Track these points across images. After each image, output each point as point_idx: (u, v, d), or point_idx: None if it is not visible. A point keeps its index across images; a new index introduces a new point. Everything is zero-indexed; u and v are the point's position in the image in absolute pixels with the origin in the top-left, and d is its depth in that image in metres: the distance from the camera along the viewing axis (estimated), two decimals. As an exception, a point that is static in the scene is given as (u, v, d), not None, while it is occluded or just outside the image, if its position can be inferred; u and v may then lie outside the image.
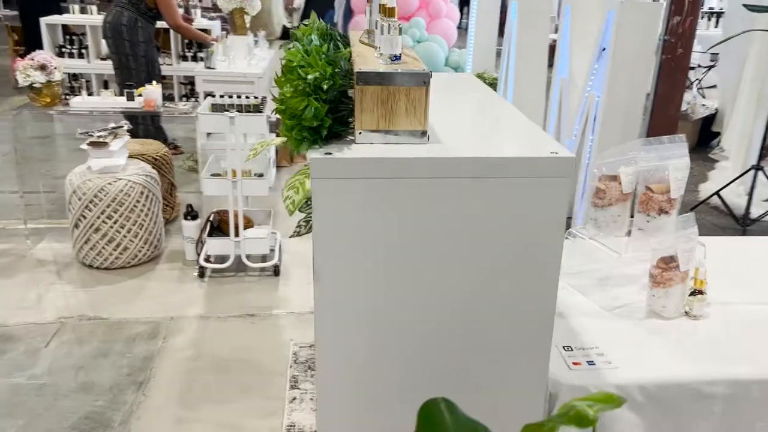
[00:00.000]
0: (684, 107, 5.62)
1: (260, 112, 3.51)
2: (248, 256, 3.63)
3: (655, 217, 1.55)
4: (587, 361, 1.36)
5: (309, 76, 1.08)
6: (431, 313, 1.22)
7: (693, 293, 1.53)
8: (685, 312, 1.55)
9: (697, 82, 6.17)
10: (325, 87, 1.10)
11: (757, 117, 4.50)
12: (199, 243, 3.86)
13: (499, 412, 1.30)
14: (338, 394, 1.27)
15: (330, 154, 1.11)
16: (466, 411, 1.24)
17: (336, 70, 1.11)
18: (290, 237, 2.22)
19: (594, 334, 1.45)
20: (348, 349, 1.23)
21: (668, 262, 1.50)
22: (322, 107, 1.10)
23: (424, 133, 1.17)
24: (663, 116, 2.96)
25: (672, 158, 1.55)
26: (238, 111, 3.44)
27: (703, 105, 5.76)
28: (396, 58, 1.19)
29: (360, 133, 1.16)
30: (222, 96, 3.73)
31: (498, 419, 1.26)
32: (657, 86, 2.98)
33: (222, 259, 3.66)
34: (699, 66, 6.38)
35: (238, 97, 3.74)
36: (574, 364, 1.36)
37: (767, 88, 4.47)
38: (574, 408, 0.79)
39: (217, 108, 3.75)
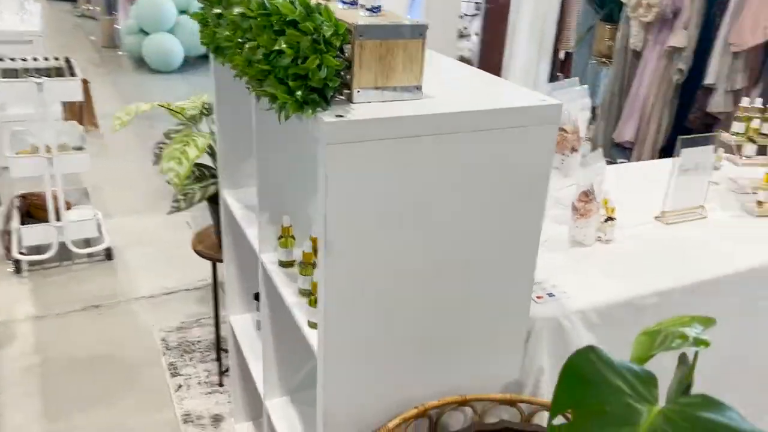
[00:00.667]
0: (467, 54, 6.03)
1: (73, 75, 3.08)
2: (73, 242, 3.23)
3: (568, 155, 1.69)
4: (547, 294, 1.47)
5: (327, 32, 0.98)
6: (437, 269, 1.21)
7: (606, 220, 1.71)
8: (599, 238, 1.73)
9: (464, 29, 6.54)
10: (338, 43, 1.00)
11: (540, 62, 5.02)
12: (6, 234, 3.33)
13: (491, 350, 1.35)
14: (347, 364, 1.22)
15: (341, 116, 1.03)
16: (464, 351, 1.27)
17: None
18: (169, 213, 2.02)
19: (538, 269, 1.56)
20: (360, 317, 1.18)
21: (588, 195, 1.65)
22: (336, 65, 1.01)
23: (419, 88, 1.13)
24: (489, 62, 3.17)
25: (576, 99, 1.70)
26: (41, 76, 2.96)
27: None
28: (377, 9, 1.13)
29: (358, 91, 1.08)
30: (13, 59, 3.20)
31: (489, 356, 1.32)
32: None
33: (40, 249, 3.20)
34: (465, 15, 6.80)
35: (34, 59, 3.24)
36: (538, 297, 1.45)
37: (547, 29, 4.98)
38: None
39: (8, 74, 3.21)
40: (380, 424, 1.30)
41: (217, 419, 2.33)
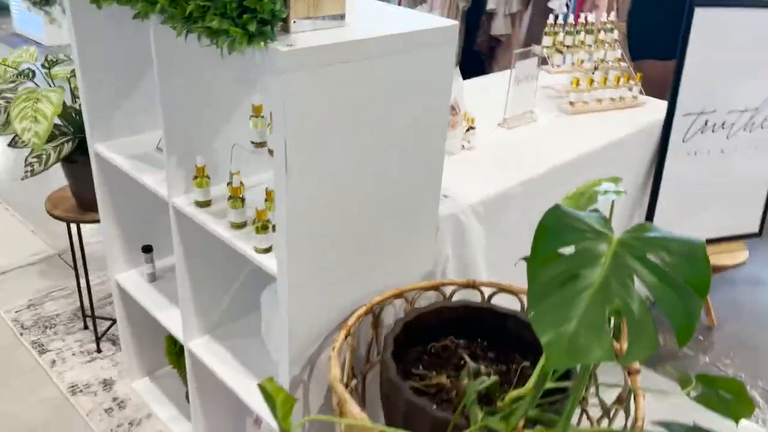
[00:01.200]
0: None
1: None
2: None
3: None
4: (443, 195, 1.69)
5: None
6: (372, 180, 1.36)
7: (467, 130, 1.97)
8: (463, 146, 1.99)
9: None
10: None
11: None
12: None
13: (413, 246, 1.55)
14: (307, 279, 1.33)
15: (291, 45, 1.11)
16: (395, 250, 1.45)
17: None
18: (23, 179, 1.92)
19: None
20: (315, 232, 1.30)
21: (454, 109, 1.89)
22: (285, -3, 1.08)
23: (343, 17, 1.25)
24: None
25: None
26: None
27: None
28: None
29: (294, 22, 1.17)
30: None
31: (411, 252, 1.53)
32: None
33: None
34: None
35: None
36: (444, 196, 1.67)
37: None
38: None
39: None
40: (333, 327, 1.44)
41: (107, 383, 2.27)
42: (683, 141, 2.49)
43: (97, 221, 2.12)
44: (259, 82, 1.60)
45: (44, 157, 1.98)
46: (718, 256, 2.67)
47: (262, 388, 0.97)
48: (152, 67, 1.45)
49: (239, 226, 1.46)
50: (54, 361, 2.36)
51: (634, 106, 2.48)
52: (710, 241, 2.69)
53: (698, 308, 0.86)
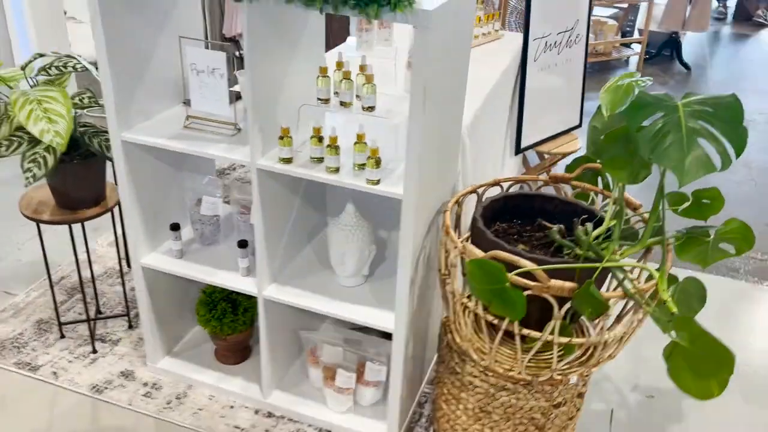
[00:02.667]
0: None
1: None
2: None
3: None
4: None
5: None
6: (445, 120, 1.73)
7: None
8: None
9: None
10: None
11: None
12: None
13: (452, 164, 1.96)
14: (420, 189, 1.68)
15: (428, 8, 1.44)
16: (448, 165, 1.86)
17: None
18: (26, 185, 1.95)
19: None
20: (426, 159, 1.64)
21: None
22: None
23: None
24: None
25: None
26: None
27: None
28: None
29: (409, -11, 1.48)
30: None
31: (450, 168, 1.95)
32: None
33: None
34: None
35: None
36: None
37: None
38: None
39: None
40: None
41: (127, 374, 2.30)
42: (534, 60, 3.19)
43: (89, 218, 2.13)
44: (306, 52, 1.83)
45: (40, 160, 1.94)
46: (562, 147, 3.47)
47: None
48: (159, 52, 1.61)
49: (335, 170, 1.73)
50: (55, 373, 2.29)
51: (498, 39, 3.10)
52: (553, 136, 3.49)
53: (744, 134, 1.45)
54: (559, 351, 1.64)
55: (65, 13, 4.31)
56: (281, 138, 1.74)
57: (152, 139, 1.87)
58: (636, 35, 6.83)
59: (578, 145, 3.56)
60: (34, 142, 1.95)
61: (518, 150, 3.26)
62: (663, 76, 6.31)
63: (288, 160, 1.76)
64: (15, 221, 3.15)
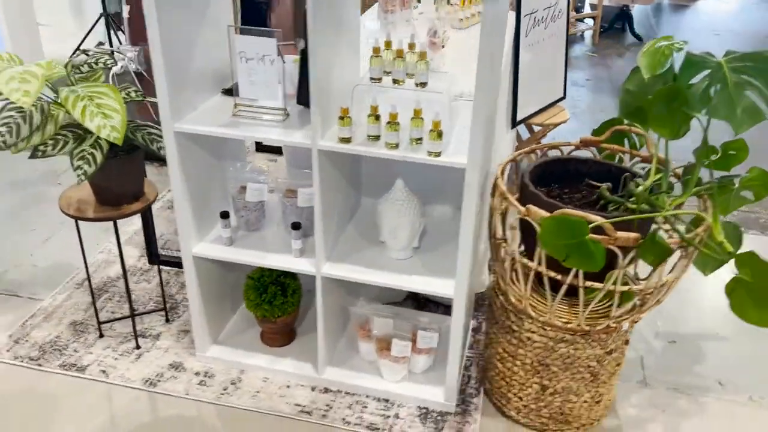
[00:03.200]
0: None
1: None
2: None
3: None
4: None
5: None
6: (492, 96, 1.83)
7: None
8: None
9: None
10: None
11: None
12: None
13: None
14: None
15: (494, -17, 1.53)
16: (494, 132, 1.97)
17: None
18: (79, 183, 1.96)
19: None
20: (483, 130, 1.74)
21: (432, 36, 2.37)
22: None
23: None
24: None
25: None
26: None
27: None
28: None
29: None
30: None
31: None
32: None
33: None
34: None
35: None
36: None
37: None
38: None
39: None
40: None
41: (176, 366, 2.32)
42: (525, 36, 3.32)
43: (134, 213, 2.14)
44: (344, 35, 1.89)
45: (89, 157, 1.94)
46: (552, 118, 3.63)
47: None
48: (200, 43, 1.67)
49: (395, 146, 1.80)
50: (104, 371, 2.29)
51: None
52: (542, 109, 3.64)
53: (782, 82, 1.60)
54: (618, 300, 1.78)
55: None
56: (341, 118, 1.80)
57: (207, 128, 1.90)
58: (587, 10, 7.09)
59: (567, 115, 3.73)
60: (80, 139, 1.95)
61: (514, 123, 3.39)
62: (618, 47, 6.58)
63: (348, 140, 1.83)
64: (20, 228, 3.10)
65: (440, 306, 2.63)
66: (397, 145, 1.81)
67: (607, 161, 2.10)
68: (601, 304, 1.91)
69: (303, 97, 2.01)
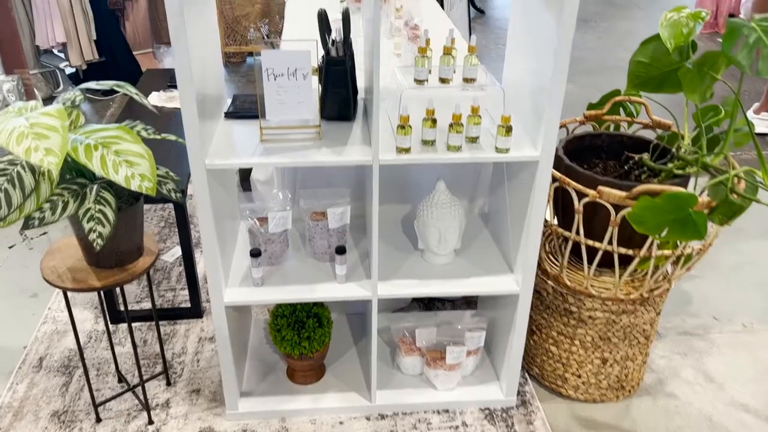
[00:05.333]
0: None
1: None
2: None
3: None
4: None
5: None
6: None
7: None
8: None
9: None
10: None
11: None
12: None
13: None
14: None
15: (570, -32, 1.48)
16: None
17: None
18: (96, 249, 1.70)
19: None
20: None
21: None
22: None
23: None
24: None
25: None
26: None
27: None
28: None
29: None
30: None
31: None
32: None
33: None
34: None
35: None
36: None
37: None
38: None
39: None
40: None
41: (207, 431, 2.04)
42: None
43: (145, 271, 1.83)
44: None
45: (99, 216, 1.61)
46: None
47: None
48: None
49: (457, 148, 1.71)
50: None
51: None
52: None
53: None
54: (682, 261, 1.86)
55: None
56: (402, 127, 1.67)
57: (247, 160, 1.66)
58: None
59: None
60: (80, 197, 1.61)
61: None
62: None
63: (407, 150, 1.70)
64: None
65: (446, 302, 2.58)
66: (460, 147, 1.71)
67: (618, 133, 2.17)
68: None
69: (328, 110, 1.84)
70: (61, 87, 4.59)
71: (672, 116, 2.15)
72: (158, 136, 1.74)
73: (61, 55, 4.59)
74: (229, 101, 1.98)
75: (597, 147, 2.16)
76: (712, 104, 2.04)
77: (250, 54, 5.55)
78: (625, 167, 2.05)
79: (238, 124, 1.86)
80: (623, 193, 1.73)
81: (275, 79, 1.67)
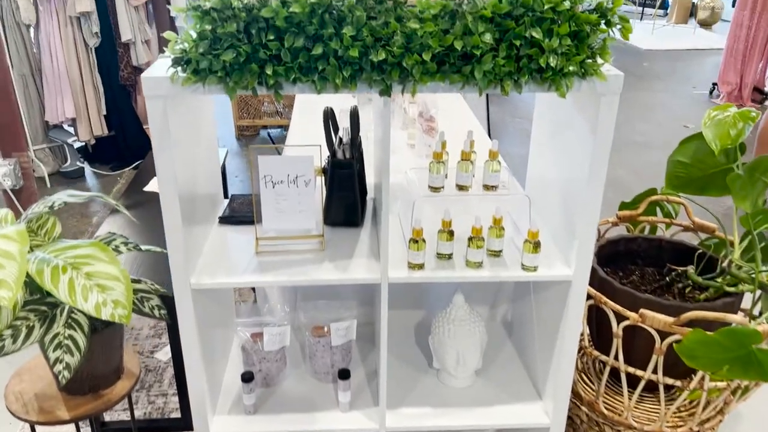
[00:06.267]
0: None
1: None
2: None
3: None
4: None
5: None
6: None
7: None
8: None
9: None
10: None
11: None
12: None
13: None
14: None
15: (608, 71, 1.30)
16: None
17: None
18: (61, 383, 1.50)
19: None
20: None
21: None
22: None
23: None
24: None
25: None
26: None
27: None
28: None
29: (570, 54, 1.34)
30: None
31: None
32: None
33: None
34: None
35: None
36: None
37: None
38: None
39: None
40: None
41: None
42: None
43: (124, 396, 1.62)
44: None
45: (68, 343, 1.41)
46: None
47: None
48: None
49: (478, 264, 1.50)
50: None
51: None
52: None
53: None
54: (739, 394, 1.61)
55: None
56: (414, 241, 1.46)
57: (238, 279, 1.45)
58: None
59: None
60: (48, 319, 1.42)
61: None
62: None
63: (421, 266, 1.49)
64: None
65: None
66: (481, 264, 1.50)
67: (656, 237, 1.96)
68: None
69: (333, 215, 1.65)
70: (69, 162, 4.49)
71: (716, 219, 1.94)
72: (140, 250, 1.55)
73: (71, 129, 4.52)
74: (226, 202, 1.80)
75: (633, 252, 1.94)
76: (764, 208, 1.83)
77: (264, 127, 5.47)
78: (667, 278, 1.83)
79: (233, 231, 1.67)
80: (670, 319, 1.50)
81: (273, 187, 1.49)
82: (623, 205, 2.05)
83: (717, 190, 1.77)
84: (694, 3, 10.44)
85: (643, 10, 10.38)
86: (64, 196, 1.45)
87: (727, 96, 6.23)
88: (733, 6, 8.63)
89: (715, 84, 6.48)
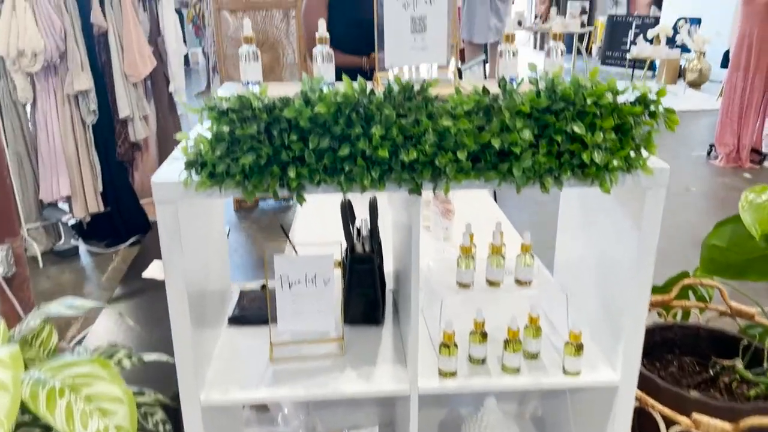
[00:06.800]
0: None
1: None
2: None
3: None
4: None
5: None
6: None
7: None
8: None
9: None
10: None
11: None
12: None
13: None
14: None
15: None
16: None
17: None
18: None
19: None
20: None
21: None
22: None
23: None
24: None
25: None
26: None
27: None
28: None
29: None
30: None
31: None
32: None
33: None
34: None
35: None
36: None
37: None
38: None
39: None
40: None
41: None
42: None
43: None
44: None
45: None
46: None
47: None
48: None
49: (516, 370, 1.38)
50: None
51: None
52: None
53: None
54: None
55: None
56: (445, 346, 1.34)
57: (251, 394, 1.32)
58: None
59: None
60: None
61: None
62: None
63: (453, 374, 1.36)
64: None
65: None
66: (518, 369, 1.38)
67: (692, 324, 1.84)
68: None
69: (352, 313, 1.53)
70: (63, 240, 4.36)
71: (756, 303, 1.83)
72: (144, 362, 1.41)
73: (65, 206, 4.41)
74: (235, 299, 1.68)
75: (668, 341, 1.82)
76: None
77: (263, 199, 5.39)
78: (711, 372, 1.70)
79: (244, 333, 1.54)
80: (728, 426, 1.37)
81: (290, 288, 1.38)
82: (655, 290, 1.94)
83: (757, 275, 1.67)
84: (681, 66, 10.64)
85: (633, 72, 10.55)
86: (62, 307, 1.33)
87: (726, 157, 6.22)
88: (722, 66, 8.76)
89: (712, 145, 6.48)
